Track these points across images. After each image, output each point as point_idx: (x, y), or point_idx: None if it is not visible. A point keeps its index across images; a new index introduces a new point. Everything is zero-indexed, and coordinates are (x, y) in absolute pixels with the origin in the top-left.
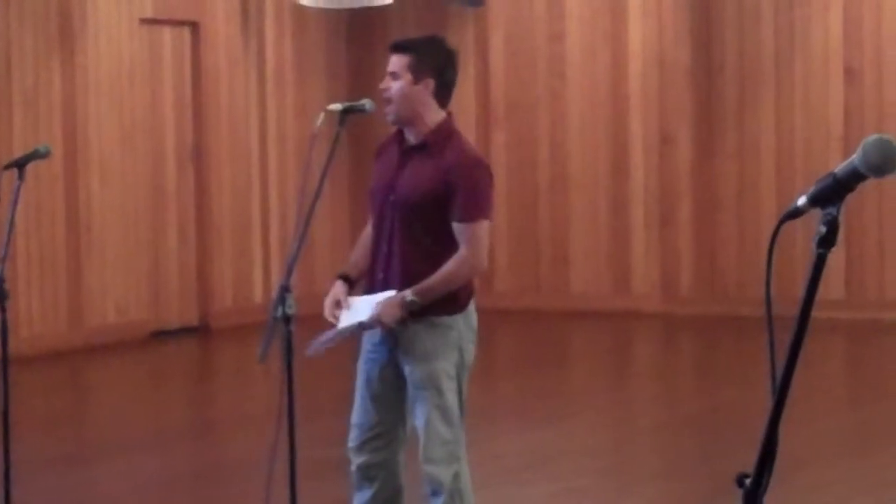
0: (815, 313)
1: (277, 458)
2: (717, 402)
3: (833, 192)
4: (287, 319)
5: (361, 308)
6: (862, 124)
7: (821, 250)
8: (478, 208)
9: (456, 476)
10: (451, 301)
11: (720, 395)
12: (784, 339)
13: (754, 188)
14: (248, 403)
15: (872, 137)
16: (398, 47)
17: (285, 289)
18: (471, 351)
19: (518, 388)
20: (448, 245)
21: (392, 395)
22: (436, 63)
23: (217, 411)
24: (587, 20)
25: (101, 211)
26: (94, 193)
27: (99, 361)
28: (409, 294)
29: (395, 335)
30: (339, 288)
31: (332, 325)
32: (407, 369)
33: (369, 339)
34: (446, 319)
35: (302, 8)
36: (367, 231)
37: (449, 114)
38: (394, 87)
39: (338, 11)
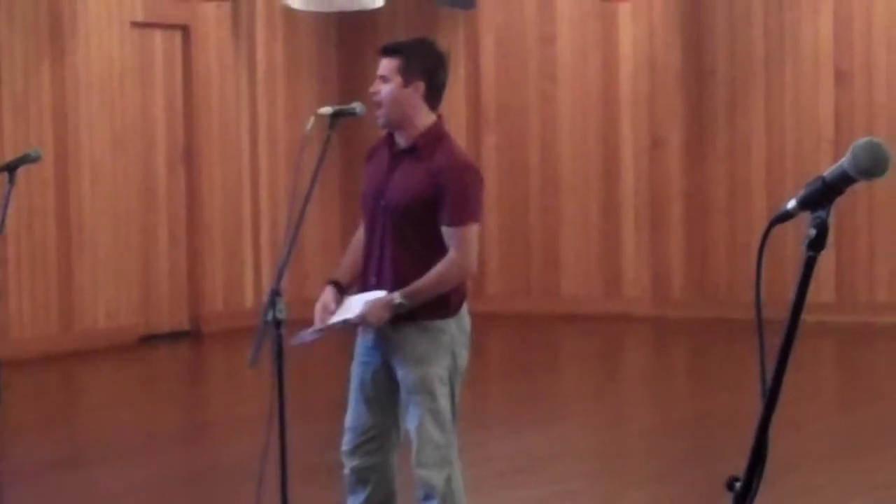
0: (806, 316)
1: (268, 461)
2: (708, 406)
3: (822, 196)
4: (277, 323)
5: (352, 306)
6: (852, 127)
7: (810, 253)
8: (467, 212)
9: (448, 480)
10: (443, 305)
11: (711, 398)
12: (775, 343)
13: (745, 191)
14: (239, 407)
15: (862, 140)
16: (388, 50)
17: (276, 293)
18: (464, 355)
19: (509, 392)
20: (439, 248)
21: (385, 398)
22: (426, 66)
23: (208, 415)
24: (578, 23)
25: (91, 214)
26: (85, 196)
27: (90, 365)
28: (397, 296)
29: (387, 340)
30: (328, 294)
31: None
32: (400, 373)
33: (363, 343)
34: (438, 323)
35: (292, 11)
36: (359, 235)
37: (439, 116)
38: (384, 90)
39: (328, 15)
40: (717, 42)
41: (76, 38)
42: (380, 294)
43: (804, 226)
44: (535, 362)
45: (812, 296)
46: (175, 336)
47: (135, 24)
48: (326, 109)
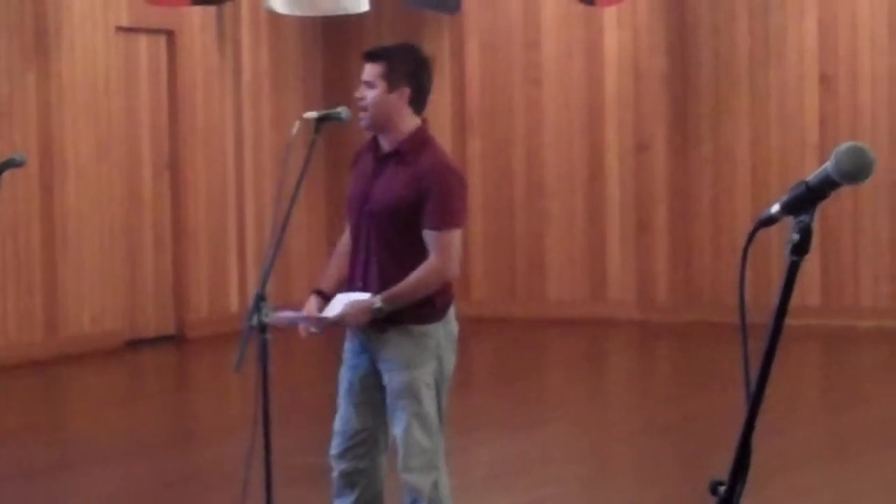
0: (791, 320)
1: (253, 465)
2: (693, 409)
3: (806, 200)
4: (262, 328)
5: (335, 305)
6: (836, 131)
7: (794, 257)
8: (449, 216)
9: (435, 485)
10: (429, 309)
11: (696, 402)
12: (759, 346)
13: (729, 195)
14: (224, 412)
15: (845, 145)
16: (372, 56)
17: (261, 297)
18: (451, 360)
19: (495, 396)
20: (425, 252)
21: (374, 402)
22: (410, 71)
23: (194, 420)
24: (563, 27)
25: (76, 220)
26: (70, 202)
27: (75, 370)
28: (377, 300)
29: (374, 343)
30: (312, 304)
31: (306, 340)
32: (386, 377)
33: (351, 347)
34: (423, 328)
35: (277, 16)
36: (344, 239)
37: (424, 121)
38: (369, 95)
39: (313, 20)
40: (702, 46)
41: (61, 43)
42: (363, 296)
43: (788, 230)
44: (521, 366)
45: (797, 299)
46: (160, 341)
47: (120, 30)
48: (312, 114)
